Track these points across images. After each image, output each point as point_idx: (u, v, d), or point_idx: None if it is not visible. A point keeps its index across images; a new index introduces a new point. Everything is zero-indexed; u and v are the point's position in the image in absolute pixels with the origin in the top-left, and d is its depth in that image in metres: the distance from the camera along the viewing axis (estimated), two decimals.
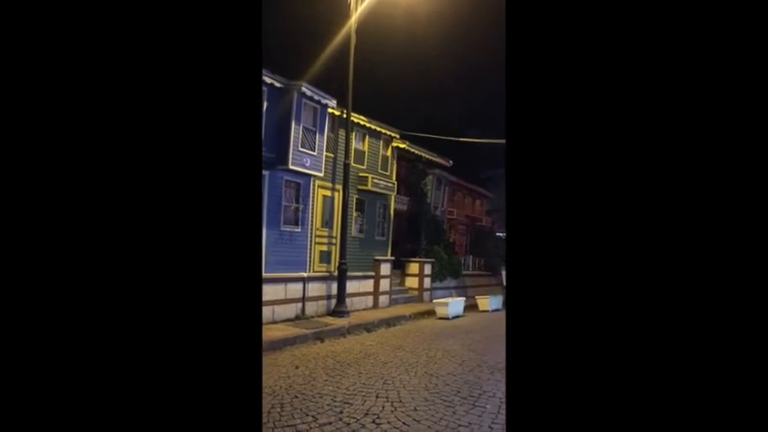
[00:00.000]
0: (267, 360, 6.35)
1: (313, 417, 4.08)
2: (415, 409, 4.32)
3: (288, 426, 3.89)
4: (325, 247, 11.23)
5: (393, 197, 13.98)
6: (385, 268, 12.44)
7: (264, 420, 3.99)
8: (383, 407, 4.40)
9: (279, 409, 4.27)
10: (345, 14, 10.18)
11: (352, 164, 11.16)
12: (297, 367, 5.90)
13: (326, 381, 5.25)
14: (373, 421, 4.01)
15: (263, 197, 9.39)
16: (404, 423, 3.98)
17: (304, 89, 9.94)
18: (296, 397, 4.64)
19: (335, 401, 4.52)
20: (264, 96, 9.70)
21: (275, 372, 5.68)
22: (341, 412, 4.21)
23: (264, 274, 9.31)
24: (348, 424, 3.93)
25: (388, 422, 3.99)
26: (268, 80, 9.61)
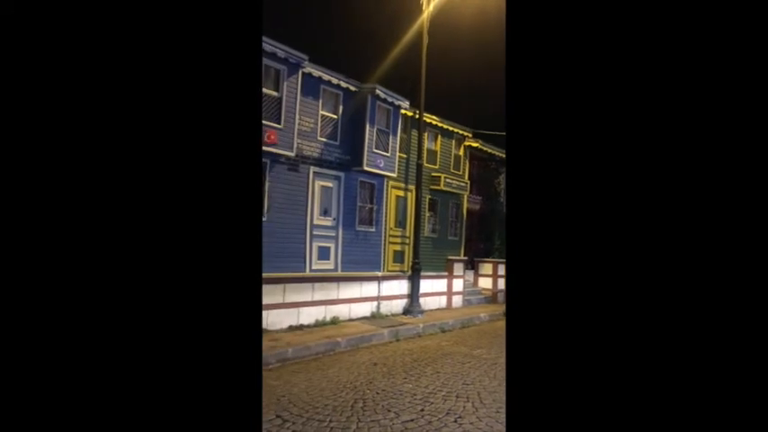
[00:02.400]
0: (345, 356, 6.54)
1: (395, 413, 4.15)
2: (498, 411, 4.27)
3: (371, 420, 3.98)
4: (398, 247, 11.34)
5: (466, 196, 13.84)
6: (458, 268, 12.34)
7: (348, 414, 4.12)
8: (464, 407, 4.39)
9: (361, 404, 4.39)
10: (416, 15, 10.23)
11: (425, 164, 11.18)
12: (375, 364, 6.02)
13: (405, 379, 5.32)
14: (455, 420, 4.02)
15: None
16: (486, 424, 3.95)
17: (378, 91, 10.11)
18: (377, 393, 4.74)
19: (416, 399, 4.57)
20: (339, 101, 9.98)
21: (355, 368, 5.84)
22: (422, 410, 4.25)
23: (340, 273, 9.57)
24: (430, 422, 3.96)
25: (471, 423, 3.98)
26: (343, 84, 9.88)
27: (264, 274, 7.94)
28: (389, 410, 4.21)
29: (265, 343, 6.70)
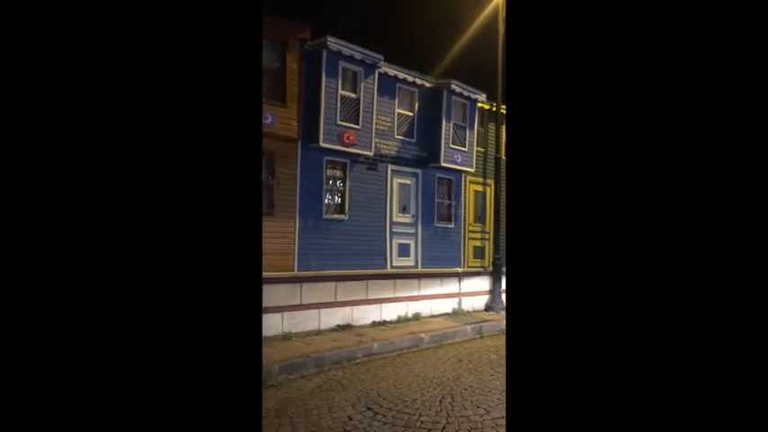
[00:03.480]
0: (429, 352, 6.59)
1: (485, 409, 4.13)
2: None
3: (461, 416, 3.99)
4: (478, 243, 11.19)
5: None
6: None
7: (437, 409, 4.16)
8: None
9: (449, 400, 4.41)
10: (488, 2, 10.02)
11: (503, 157, 10.93)
12: (460, 360, 6.00)
13: (493, 375, 5.26)
14: None
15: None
16: None
17: (453, 86, 10.03)
18: (465, 389, 4.74)
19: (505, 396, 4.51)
20: (415, 98, 10.02)
21: (440, 364, 5.86)
22: None
23: (420, 270, 9.63)
24: None
25: None
26: (418, 81, 9.91)
27: (347, 272, 8.20)
28: (479, 407, 4.20)
29: (351, 338, 6.91)
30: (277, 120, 7.55)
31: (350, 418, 3.99)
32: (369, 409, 4.21)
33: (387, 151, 9.57)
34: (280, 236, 7.85)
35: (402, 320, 8.49)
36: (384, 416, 4.04)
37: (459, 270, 10.12)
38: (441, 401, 4.36)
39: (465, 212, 10.88)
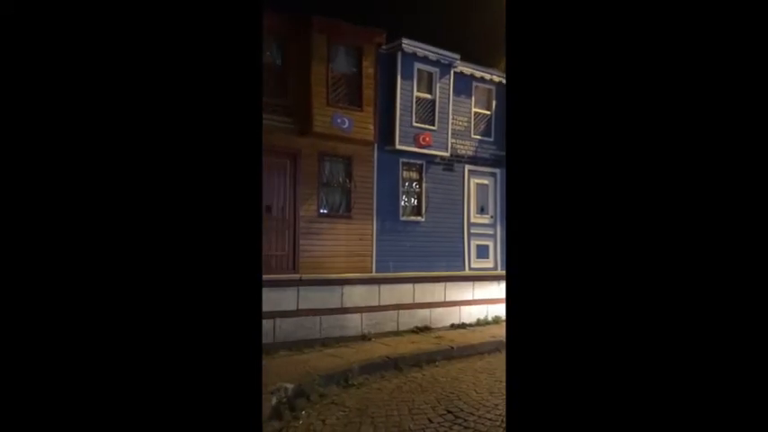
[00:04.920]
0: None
1: None
2: None
3: None
4: None
5: None
6: None
7: None
8: None
9: None
10: None
11: None
12: None
13: None
14: None
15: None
16: None
17: None
18: None
19: None
20: (492, 96, 9.80)
21: None
22: None
23: (500, 272, 9.37)
24: None
25: None
26: (495, 79, 9.70)
27: (425, 273, 8.17)
28: None
29: (430, 340, 6.87)
30: (354, 124, 7.71)
31: (430, 421, 3.96)
32: (449, 412, 4.16)
33: (463, 151, 9.44)
34: (358, 238, 8.00)
35: (482, 323, 8.31)
36: (465, 420, 3.96)
37: None
38: None
39: None
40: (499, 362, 6.08)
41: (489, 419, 3.95)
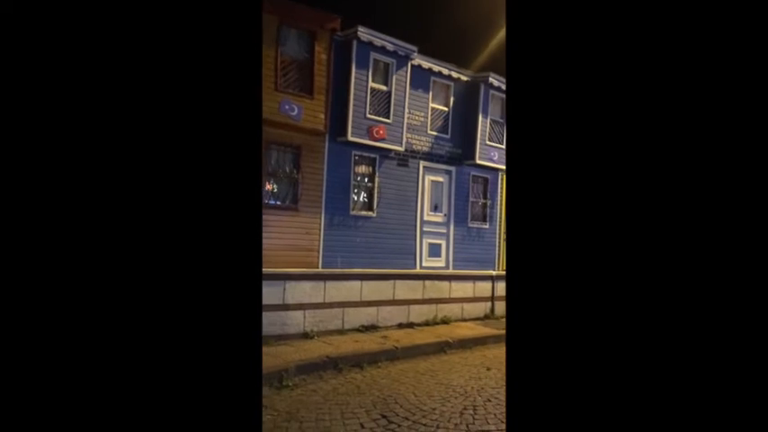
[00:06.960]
0: (456, 358, 6.22)
1: None
2: None
3: (481, 430, 3.62)
4: None
5: None
6: None
7: (457, 422, 3.80)
8: None
9: (471, 411, 4.04)
10: None
11: None
12: (488, 369, 5.60)
13: None
14: None
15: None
16: None
17: (491, 80, 9.59)
18: (489, 400, 4.35)
19: None
20: (450, 92, 9.64)
21: (465, 371, 5.48)
22: None
23: (451, 271, 9.24)
24: None
25: None
26: (454, 75, 9.53)
27: (374, 270, 7.91)
28: (502, 421, 3.81)
29: (375, 339, 6.63)
30: (304, 112, 7.35)
31: (362, 426, 3.70)
32: (383, 416, 3.91)
33: (419, 147, 9.23)
34: (304, 231, 7.65)
35: (430, 323, 8.13)
36: (399, 425, 3.72)
37: (494, 273, 9.65)
38: (462, 413, 4.00)
39: (501, 213, 10.39)
40: (443, 363, 5.90)
41: (424, 425, 3.73)
